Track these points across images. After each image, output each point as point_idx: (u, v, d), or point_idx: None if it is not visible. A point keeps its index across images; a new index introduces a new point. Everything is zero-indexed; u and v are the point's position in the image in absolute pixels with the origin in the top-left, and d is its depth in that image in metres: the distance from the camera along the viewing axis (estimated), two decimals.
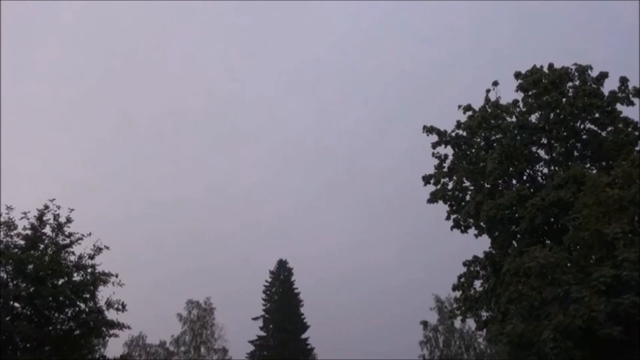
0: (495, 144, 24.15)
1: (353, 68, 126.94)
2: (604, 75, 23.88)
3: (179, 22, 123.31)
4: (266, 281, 56.15)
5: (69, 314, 21.28)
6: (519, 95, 25.24)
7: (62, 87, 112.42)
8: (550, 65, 24.45)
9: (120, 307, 21.71)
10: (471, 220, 24.39)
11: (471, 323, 30.48)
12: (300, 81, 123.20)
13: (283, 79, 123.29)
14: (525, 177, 24.24)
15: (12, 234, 21.29)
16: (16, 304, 20.43)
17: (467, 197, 24.70)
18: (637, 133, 22.99)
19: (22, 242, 21.17)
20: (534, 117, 24.58)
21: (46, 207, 21.90)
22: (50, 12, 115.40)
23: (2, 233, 21.20)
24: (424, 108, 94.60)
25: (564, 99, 23.73)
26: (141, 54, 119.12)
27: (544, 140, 24.19)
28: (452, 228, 25.23)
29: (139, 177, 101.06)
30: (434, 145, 25.64)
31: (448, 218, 25.29)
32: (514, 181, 24.12)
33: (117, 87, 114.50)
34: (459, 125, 25.26)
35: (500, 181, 23.89)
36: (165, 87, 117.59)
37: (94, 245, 22.09)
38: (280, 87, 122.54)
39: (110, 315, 21.64)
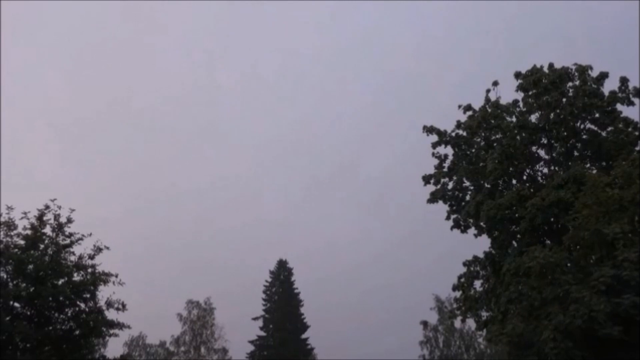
0: (495, 144, 24.12)
1: (349, 65, 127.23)
2: (604, 75, 23.87)
3: (172, 13, 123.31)
4: (266, 281, 56.19)
5: (69, 314, 21.26)
6: (519, 95, 25.28)
7: (58, 83, 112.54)
8: (551, 65, 24.46)
9: (120, 306, 21.70)
10: (471, 220, 24.36)
11: (471, 323, 30.47)
12: (295, 77, 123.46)
13: (277, 74, 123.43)
14: (525, 177, 24.23)
15: (12, 234, 21.29)
16: (16, 304, 20.41)
17: (467, 197, 24.70)
18: (637, 133, 22.96)
19: (22, 242, 21.14)
20: (534, 117, 24.58)
21: (47, 207, 21.89)
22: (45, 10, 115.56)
23: (2, 233, 21.21)
24: (422, 106, 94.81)
25: (564, 99, 23.73)
26: (133, 49, 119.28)
27: (544, 140, 24.17)
28: (452, 228, 25.22)
29: (137, 175, 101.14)
30: (434, 145, 25.62)
31: (448, 218, 25.28)
32: (514, 181, 24.10)
33: (110, 84, 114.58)
34: (459, 125, 25.26)
35: (500, 181, 23.87)
36: (159, 82, 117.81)
37: (94, 245, 22.13)
38: (275, 84, 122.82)
39: (110, 315, 21.68)
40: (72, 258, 21.88)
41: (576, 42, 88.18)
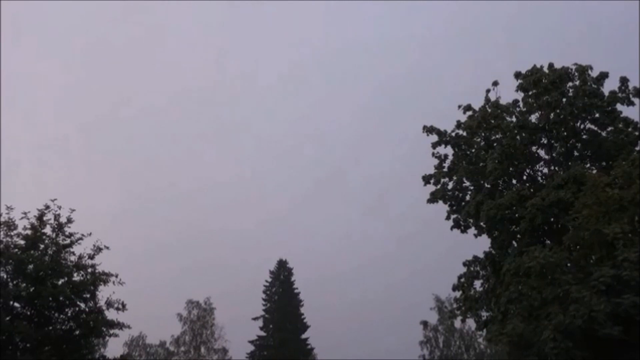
0: (495, 144, 24.12)
1: (350, 64, 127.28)
2: (604, 75, 23.88)
3: (174, 13, 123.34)
4: (266, 281, 56.17)
5: (69, 314, 21.24)
6: (519, 95, 25.30)
7: (58, 83, 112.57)
8: (551, 65, 24.46)
9: (120, 306, 21.68)
10: (471, 220, 24.36)
11: (471, 323, 30.48)
12: (295, 77, 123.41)
13: (277, 74, 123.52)
14: (525, 177, 24.23)
15: (12, 234, 21.25)
16: (16, 304, 20.40)
17: (467, 197, 24.69)
18: (637, 133, 22.98)
19: (22, 242, 21.11)
20: (534, 117, 24.58)
21: (47, 207, 21.86)
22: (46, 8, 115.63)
23: (2, 233, 21.18)
24: (422, 106, 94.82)
25: (564, 99, 23.73)
26: (134, 49, 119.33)
27: (544, 140, 24.17)
28: (452, 228, 25.22)
29: (137, 175, 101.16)
30: (434, 145, 25.61)
31: (448, 218, 25.28)
32: (514, 181, 24.10)
33: (110, 84, 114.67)
34: (459, 125, 25.25)
35: (500, 181, 23.87)
36: (159, 83, 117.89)
37: (94, 245, 22.08)
38: (275, 83, 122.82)
39: (110, 315, 21.65)
40: (72, 258, 21.85)
41: (576, 42, 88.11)
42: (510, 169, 23.90)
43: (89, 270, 21.79)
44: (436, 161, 25.78)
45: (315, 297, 60.08)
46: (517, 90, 25.06)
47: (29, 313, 20.51)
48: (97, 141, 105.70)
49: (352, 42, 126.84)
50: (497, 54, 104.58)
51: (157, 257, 75.50)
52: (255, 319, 54.24)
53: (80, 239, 22.08)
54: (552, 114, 23.84)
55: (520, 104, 25.27)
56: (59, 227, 21.91)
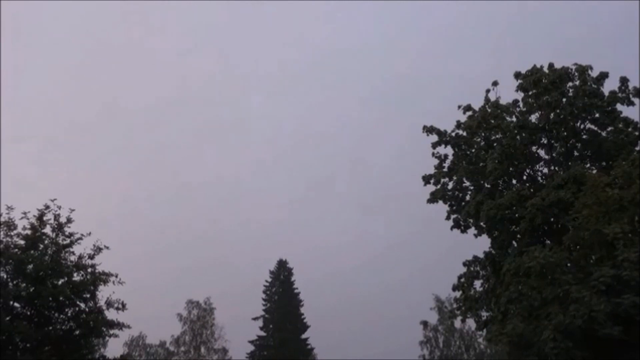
0: (495, 144, 24.12)
1: (350, 65, 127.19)
2: (604, 75, 23.88)
3: (174, 13, 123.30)
4: (266, 281, 56.17)
5: (69, 314, 21.24)
6: (519, 95, 25.31)
7: (58, 83, 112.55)
8: (551, 65, 24.46)
9: (120, 306, 21.67)
10: (471, 220, 24.36)
11: (471, 323, 30.48)
12: (295, 77, 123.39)
13: (277, 74, 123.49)
14: (525, 177, 24.23)
15: (12, 234, 21.25)
16: (16, 304, 20.39)
17: (467, 197, 24.69)
18: (637, 133, 22.98)
19: (22, 242, 21.11)
20: (534, 117, 24.59)
21: (47, 207, 21.86)
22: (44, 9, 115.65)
23: (2, 233, 21.18)
24: (422, 106, 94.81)
25: (564, 99, 23.73)
26: (137, 48, 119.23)
27: (544, 140, 24.17)
28: (452, 228, 25.22)
29: (137, 175, 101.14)
30: (434, 145, 25.62)
31: (448, 218, 25.29)
32: (514, 181, 24.11)
33: (110, 84, 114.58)
34: (459, 125, 25.25)
35: (500, 181, 23.87)
36: (159, 83, 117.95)
37: (94, 245, 22.08)
38: (275, 83, 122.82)
39: (110, 315, 21.64)
40: (72, 258, 21.85)
41: (576, 42, 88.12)
42: (510, 169, 23.90)
43: (89, 270, 21.79)
44: (436, 161, 25.80)
45: (315, 297, 60.12)
46: (517, 90, 25.08)
47: (29, 313, 20.51)
48: (97, 141, 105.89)
49: (352, 42, 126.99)
50: (497, 54, 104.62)
51: (157, 257, 75.56)
52: (255, 319, 54.30)
53: (80, 239, 22.09)
54: (552, 114, 23.84)
55: (520, 104, 25.28)
56: (59, 227, 21.91)
